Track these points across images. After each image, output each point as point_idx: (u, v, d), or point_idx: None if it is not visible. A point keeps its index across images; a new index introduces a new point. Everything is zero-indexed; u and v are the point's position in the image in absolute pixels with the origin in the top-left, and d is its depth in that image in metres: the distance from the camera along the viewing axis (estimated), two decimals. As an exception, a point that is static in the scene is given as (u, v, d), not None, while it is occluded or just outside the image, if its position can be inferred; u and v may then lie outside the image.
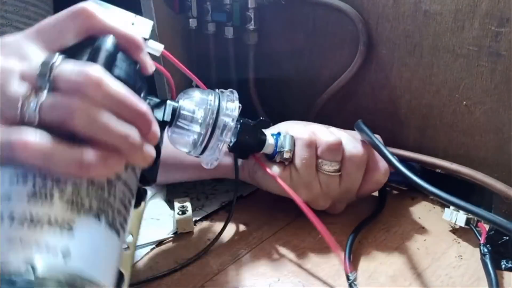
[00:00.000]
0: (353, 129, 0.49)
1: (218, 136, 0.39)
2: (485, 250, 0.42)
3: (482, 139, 0.48)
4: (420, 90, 0.51)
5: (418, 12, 0.48)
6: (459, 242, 0.45)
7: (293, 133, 0.45)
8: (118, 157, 0.26)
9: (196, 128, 0.39)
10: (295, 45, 0.61)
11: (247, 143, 0.44)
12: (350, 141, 0.46)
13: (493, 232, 0.43)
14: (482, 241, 0.43)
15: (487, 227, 0.44)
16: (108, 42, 0.29)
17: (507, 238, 0.42)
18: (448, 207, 0.47)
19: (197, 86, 0.43)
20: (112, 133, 0.26)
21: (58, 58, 0.26)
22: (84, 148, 0.25)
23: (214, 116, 0.39)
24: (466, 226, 0.45)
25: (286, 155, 0.44)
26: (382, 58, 0.53)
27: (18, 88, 0.26)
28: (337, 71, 0.57)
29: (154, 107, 0.37)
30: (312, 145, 0.44)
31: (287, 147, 0.44)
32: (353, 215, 0.49)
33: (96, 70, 0.26)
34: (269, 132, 0.46)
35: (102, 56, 0.28)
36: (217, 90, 0.42)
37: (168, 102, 0.38)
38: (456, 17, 0.46)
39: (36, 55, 0.27)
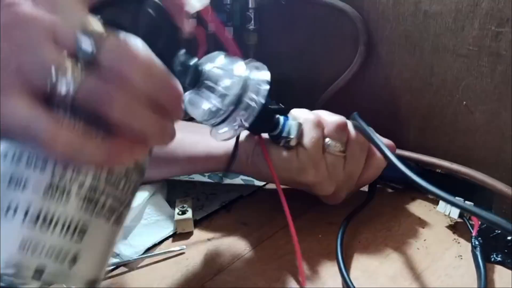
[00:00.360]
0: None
1: (241, 111, 0.38)
2: (476, 242, 0.42)
3: (482, 139, 0.48)
4: (420, 90, 0.51)
5: (418, 12, 0.48)
6: (459, 242, 0.45)
7: (299, 116, 0.45)
8: (144, 143, 0.24)
9: (219, 99, 0.37)
10: (295, 45, 0.61)
11: (262, 125, 0.43)
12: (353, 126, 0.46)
13: (485, 225, 0.44)
14: (473, 234, 0.43)
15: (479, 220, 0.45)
16: (153, 4, 0.26)
17: (499, 232, 0.43)
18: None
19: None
20: (147, 121, 0.24)
21: (100, 27, 0.22)
22: (114, 136, 0.23)
23: (242, 90, 0.38)
24: (459, 219, 0.46)
25: (293, 143, 0.44)
26: (382, 58, 0.53)
27: (51, 53, 0.22)
28: (337, 71, 0.57)
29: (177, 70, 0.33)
30: (320, 125, 0.45)
31: (293, 133, 0.44)
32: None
33: (146, 57, 0.23)
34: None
35: (148, 26, 0.25)
36: (246, 60, 0.40)
37: (193, 64, 0.34)
38: (456, 17, 0.46)
39: (72, 9, 0.23)
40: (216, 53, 0.39)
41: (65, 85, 0.21)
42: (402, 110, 0.54)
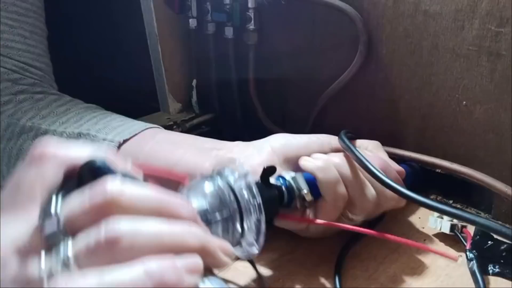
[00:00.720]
0: (353, 130, 0.49)
1: (248, 215, 0.35)
2: (471, 255, 0.41)
3: (482, 139, 0.48)
4: (420, 90, 0.51)
5: (418, 12, 0.48)
6: (459, 242, 0.45)
7: (309, 168, 0.41)
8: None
9: (218, 217, 0.35)
10: (295, 45, 0.61)
11: (267, 207, 0.36)
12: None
13: (478, 237, 0.42)
14: (467, 247, 0.42)
15: (472, 232, 0.43)
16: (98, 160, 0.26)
17: (493, 242, 0.42)
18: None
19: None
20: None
21: (54, 199, 0.24)
22: None
23: (233, 197, 0.35)
24: (451, 233, 0.44)
25: (308, 198, 0.40)
26: (382, 58, 0.53)
27: (26, 268, 0.23)
28: (337, 71, 0.57)
29: None
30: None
31: (304, 187, 0.40)
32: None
33: (109, 183, 0.24)
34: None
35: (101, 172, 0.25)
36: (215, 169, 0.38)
37: None
38: (456, 17, 0.46)
39: (27, 217, 0.24)
40: (191, 184, 0.37)
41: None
42: (402, 110, 0.54)
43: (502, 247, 0.42)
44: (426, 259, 0.43)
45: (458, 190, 0.51)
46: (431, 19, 0.48)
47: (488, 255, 0.41)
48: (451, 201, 0.52)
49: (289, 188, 0.40)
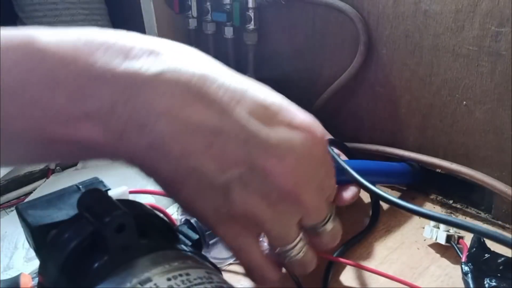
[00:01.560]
0: (353, 130, 0.49)
1: None
2: (467, 269, 0.40)
3: (482, 139, 0.48)
4: (420, 90, 0.51)
5: (418, 12, 0.48)
6: (455, 253, 0.45)
7: None
8: None
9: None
10: (295, 45, 0.61)
11: None
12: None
13: (474, 249, 0.41)
14: (463, 259, 0.41)
15: (468, 244, 0.42)
16: None
17: (489, 255, 0.40)
18: (452, 209, 0.47)
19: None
20: None
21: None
22: None
23: None
24: (447, 244, 0.43)
25: None
26: (382, 58, 0.53)
27: (295, 233, 0.29)
28: (337, 71, 0.57)
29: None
30: None
31: None
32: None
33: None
34: None
35: None
36: None
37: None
38: (456, 17, 0.46)
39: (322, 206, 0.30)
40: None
41: (294, 256, 0.30)
42: (402, 110, 0.54)
43: (499, 260, 0.40)
44: (426, 259, 0.43)
45: (458, 190, 0.51)
46: (431, 19, 0.48)
47: (484, 268, 0.40)
48: (451, 201, 0.52)
49: None
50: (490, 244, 0.41)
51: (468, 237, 0.43)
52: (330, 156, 0.31)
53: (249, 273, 0.30)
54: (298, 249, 0.30)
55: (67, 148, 0.24)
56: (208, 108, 0.24)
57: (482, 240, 0.41)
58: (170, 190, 0.26)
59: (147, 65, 0.23)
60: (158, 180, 0.26)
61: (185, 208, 0.27)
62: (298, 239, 0.29)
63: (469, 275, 0.39)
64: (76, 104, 0.22)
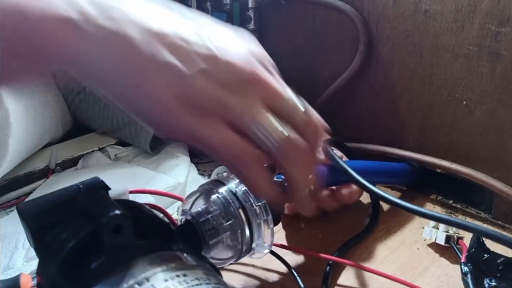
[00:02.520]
0: (353, 130, 0.49)
1: (254, 217, 0.36)
2: (466, 269, 0.40)
3: (482, 139, 0.48)
4: (420, 90, 0.51)
5: (418, 12, 0.48)
6: (454, 254, 0.45)
7: None
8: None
9: (226, 225, 0.35)
10: (295, 45, 0.61)
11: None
12: None
13: (474, 249, 0.41)
14: (462, 260, 0.40)
15: (467, 244, 0.42)
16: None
17: (489, 255, 0.40)
18: (453, 209, 0.47)
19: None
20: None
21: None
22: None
23: (237, 204, 0.36)
24: (446, 244, 0.43)
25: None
26: (382, 58, 0.53)
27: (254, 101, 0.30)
28: (337, 71, 0.57)
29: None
30: None
31: None
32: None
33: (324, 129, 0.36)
34: None
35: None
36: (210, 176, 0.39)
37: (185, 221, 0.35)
38: (456, 17, 0.46)
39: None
40: (189, 196, 0.38)
41: (263, 133, 0.30)
42: (402, 110, 0.54)
43: (499, 260, 0.40)
44: (426, 259, 0.43)
45: (458, 190, 0.51)
46: (431, 19, 0.48)
47: (484, 269, 0.39)
48: (451, 201, 0.52)
49: None
50: (490, 244, 0.41)
51: (467, 238, 0.43)
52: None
53: (238, 163, 0.31)
54: (263, 118, 0.30)
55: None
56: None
57: (481, 240, 0.41)
58: (132, 84, 0.28)
59: None
60: (122, 74, 0.27)
61: (144, 104, 0.28)
62: (259, 107, 0.30)
63: (469, 275, 0.39)
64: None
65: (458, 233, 0.43)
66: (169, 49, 0.28)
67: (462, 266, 0.40)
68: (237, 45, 0.31)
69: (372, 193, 0.40)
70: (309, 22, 0.58)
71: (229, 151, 0.30)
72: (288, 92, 0.32)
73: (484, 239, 0.41)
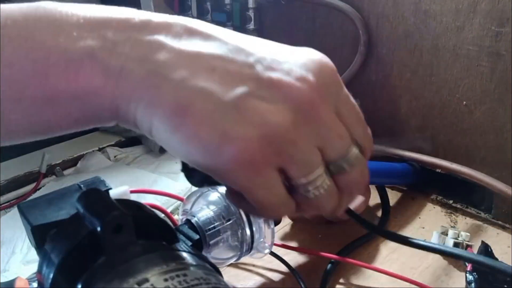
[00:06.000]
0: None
1: (256, 218, 0.36)
2: (471, 278, 0.39)
3: (482, 139, 0.48)
4: (420, 90, 0.51)
5: (418, 12, 0.48)
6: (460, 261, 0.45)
7: None
8: None
9: (227, 225, 0.36)
10: (295, 45, 0.61)
11: None
12: None
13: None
14: (468, 269, 0.39)
15: (475, 253, 0.41)
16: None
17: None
18: (453, 211, 0.47)
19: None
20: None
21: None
22: None
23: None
24: None
25: None
26: (382, 58, 0.53)
27: (317, 157, 0.25)
28: (337, 71, 0.57)
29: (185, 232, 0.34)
30: None
31: None
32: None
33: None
34: None
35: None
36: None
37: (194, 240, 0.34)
38: (456, 17, 0.46)
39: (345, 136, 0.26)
40: (190, 196, 0.38)
41: (319, 186, 0.25)
42: (402, 110, 0.54)
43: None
44: (426, 259, 0.43)
45: (458, 190, 0.51)
46: (431, 19, 0.48)
47: (491, 279, 0.38)
48: (451, 201, 0.52)
49: None
50: (498, 254, 0.41)
51: (475, 246, 0.42)
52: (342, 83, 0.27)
53: (263, 211, 0.26)
54: (321, 181, 0.25)
55: (66, 105, 0.24)
56: (205, 40, 0.24)
57: (489, 249, 0.40)
58: (174, 125, 0.23)
59: (142, 14, 0.25)
60: (161, 118, 0.23)
61: (191, 147, 0.23)
62: (320, 169, 0.25)
63: (473, 284, 0.38)
64: (78, 44, 0.23)
65: (467, 241, 0.43)
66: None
67: (467, 275, 0.39)
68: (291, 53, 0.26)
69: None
70: (309, 22, 0.58)
71: (276, 210, 0.26)
72: (345, 134, 0.26)
73: (492, 249, 0.41)
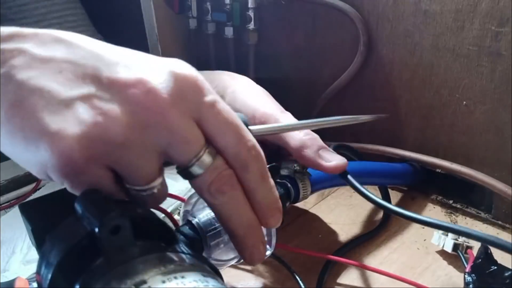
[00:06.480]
0: (353, 130, 0.49)
1: None
2: (469, 279, 0.38)
3: (482, 139, 0.48)
4: (420, 90, 0.51)
5: (418, 12, 0.48)
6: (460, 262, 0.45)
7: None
8: None
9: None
10: (295, 45, 0.61)
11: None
12: None
13: (480, 260, 0.39)
14: (467, 270, 0.38)
15: (475, 254, 0.41)
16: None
17: (496, 268, 0.38)
18: (454, 211, 0.47)
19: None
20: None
21: None
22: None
23: None
24: (453, 252, 0.42)
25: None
26: (382, 58, 0.53)
27: (155, 170, 0.26)
28: (337, 71, 0.57)
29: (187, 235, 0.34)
30: None
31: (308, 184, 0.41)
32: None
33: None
34: None
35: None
36: None
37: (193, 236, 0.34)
38: (456, 17, 0.46)
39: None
40: (191, 197, 0.38)
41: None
42: (402, 110, 0.53)
43: (506, 274, 0.37)
44: (426, 259, 0.43)
45: (458, 190, 0.51)
46: (431, 19, 0.48)
47: (489, 281, 0.38)
48: (451, 201, 0.52)
49: (294, 182, 0.40)
50: (498, 256, 0.40)
51: (476, 248, 0.42)
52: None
53: None
54: (158, 185, 0.26)
55: None
56: (67, 47, 0.25)
57: (489, 251, 0.40)
58: (5, 119, 0.24)
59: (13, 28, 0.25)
60: (1, 114, 0.24)
61: (16, 143, 0.24)
62: (159, 179, 0.26)
63: (471, 286, 0.37)
64: None
65: (467, 242, 0.43)
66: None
67: (466, 276, 0.38)
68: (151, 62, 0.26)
69: (383, 208, 0.39)
70: (309, 22, 0.58)
71: None
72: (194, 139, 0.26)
73: (492, 250, 0.40)
